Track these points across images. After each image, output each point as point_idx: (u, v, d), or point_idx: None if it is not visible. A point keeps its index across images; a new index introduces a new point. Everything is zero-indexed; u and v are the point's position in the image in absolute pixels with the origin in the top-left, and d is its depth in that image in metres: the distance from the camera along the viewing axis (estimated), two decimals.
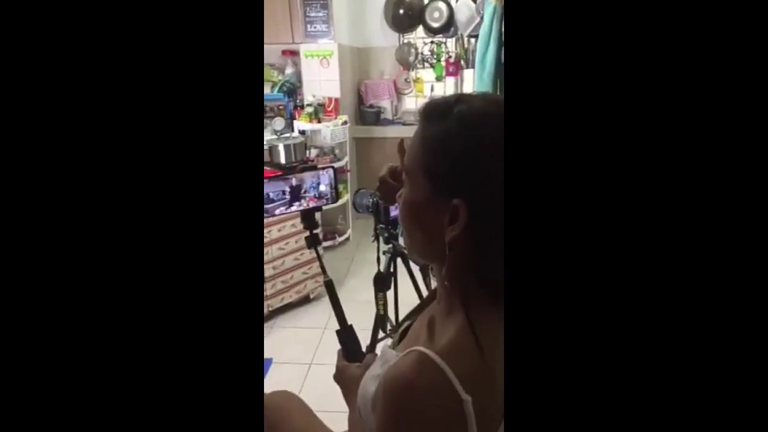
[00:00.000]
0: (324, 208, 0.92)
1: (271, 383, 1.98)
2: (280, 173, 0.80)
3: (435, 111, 0.55)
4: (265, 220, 2.21)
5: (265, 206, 0.81)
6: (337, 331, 0.86)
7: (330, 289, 0.90)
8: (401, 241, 1.44)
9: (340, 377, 0.81)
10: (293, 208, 0.85)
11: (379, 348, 1.46)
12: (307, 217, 0.87)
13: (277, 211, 0.82)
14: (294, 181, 0.84)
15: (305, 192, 0.86)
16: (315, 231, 0.88)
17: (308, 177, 0.86)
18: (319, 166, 1.06)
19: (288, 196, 0.83)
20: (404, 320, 0.73)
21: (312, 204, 0.87)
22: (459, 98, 0.55)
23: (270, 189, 0.81)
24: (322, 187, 0.88)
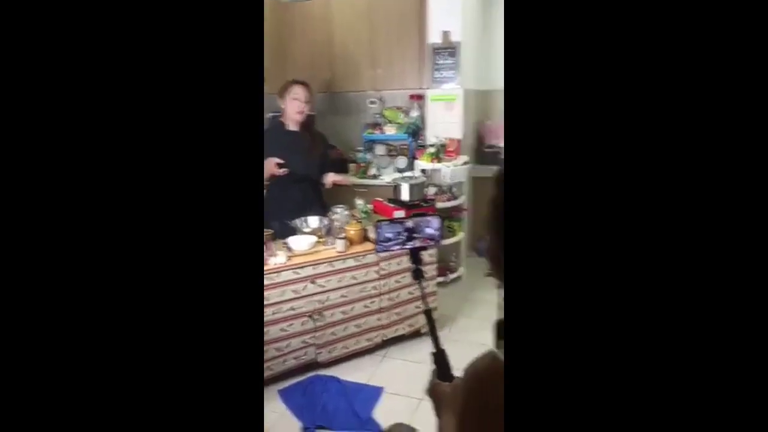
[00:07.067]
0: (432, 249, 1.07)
1: (383, 411, 2.05)
2: (401, 218, 1.01)
3: None
4: (387, 254, 2.36)
5: (385, 244, 1.02)
6: (432, 353, 0.96)
7: (428, 316, 1.06)
8: None
9: (432, 392, 0.93)
10: (408, 246, 1.04)
11: None
12: (414, 254, 1.07)
13: (395, 248, 1.04)
14: (410, 223, 1.04)
15: (417, 233, 1.04)
16: (420, 267, 1.08)
17: (421, 221, 1.05)
18: (429, 212, 1.23)
19: (404, 236, 1.02)
20: None
21: (423, 244, 1.05)
22: None
23: (391, 230, 1.02)
24: (430, 230, 1.05)
